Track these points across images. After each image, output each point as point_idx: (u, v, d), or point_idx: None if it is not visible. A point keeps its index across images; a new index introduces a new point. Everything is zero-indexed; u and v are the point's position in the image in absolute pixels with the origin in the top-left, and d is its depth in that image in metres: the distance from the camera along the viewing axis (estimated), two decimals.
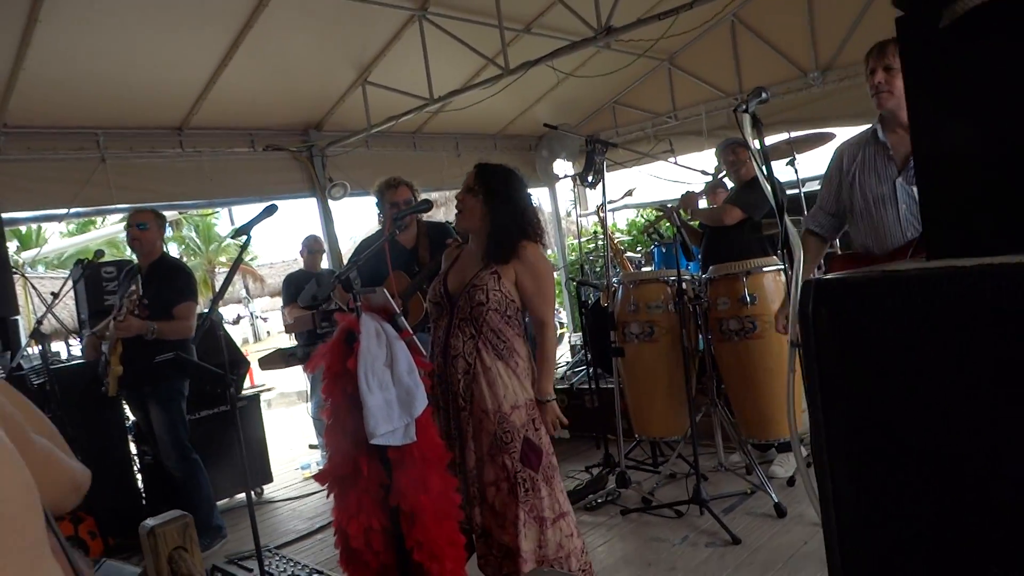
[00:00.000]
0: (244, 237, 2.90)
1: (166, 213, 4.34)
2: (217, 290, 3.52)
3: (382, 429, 1.98)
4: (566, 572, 2.21)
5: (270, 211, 3.00)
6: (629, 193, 5.33)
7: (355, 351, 2.03)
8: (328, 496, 2.23)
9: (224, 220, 21.34)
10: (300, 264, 5.76)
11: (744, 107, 1.91)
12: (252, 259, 22.63)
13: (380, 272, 3.24)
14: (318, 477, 2.24)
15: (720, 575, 2.83)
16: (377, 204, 3.69)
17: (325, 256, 6.03)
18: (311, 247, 5.61)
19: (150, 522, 1.66)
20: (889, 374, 0.93)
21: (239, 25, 4.53)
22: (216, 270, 21.10)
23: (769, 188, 1.80)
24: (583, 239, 6.31)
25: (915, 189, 2.29)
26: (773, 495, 3.33)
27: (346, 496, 2.13)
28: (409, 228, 3.56)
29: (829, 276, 1.01)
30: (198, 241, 21.41)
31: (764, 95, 2.03)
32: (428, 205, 2.67)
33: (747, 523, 3.26)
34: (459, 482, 2.32)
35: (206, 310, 3.95)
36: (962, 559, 0.91)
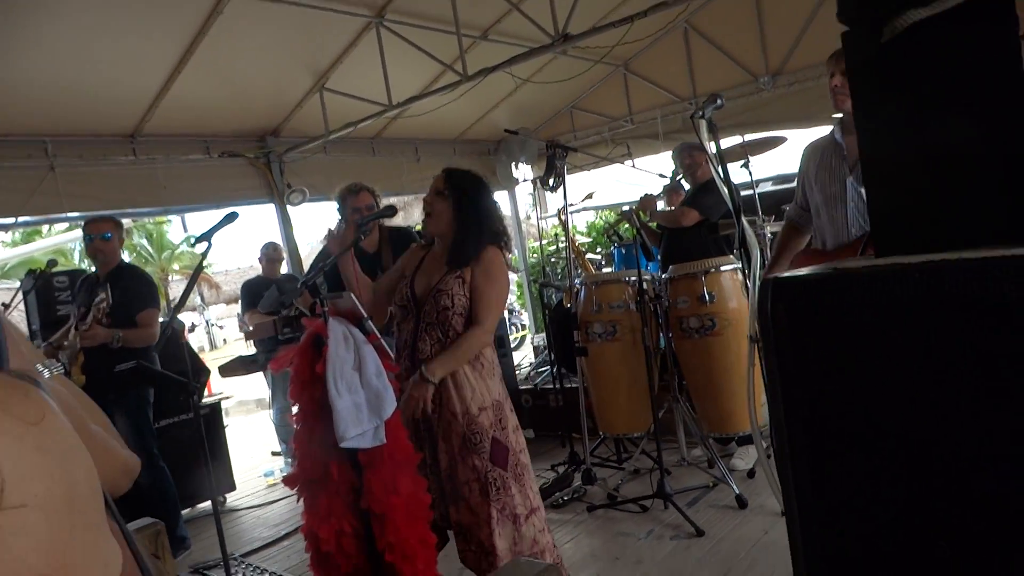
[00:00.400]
0: (204, 245, 2.87)
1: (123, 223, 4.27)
2: (176, 298, 3.47)
3: (352, 432, 2.00)
4: (543, 562, 2.25)
5: (231, 218, 2.98)
6: (589, 196, 5.41)
7: (323, 355, 2.04)
8: (297, 501, 2.23)
9: (176, 227, 20.94)
10: (256, 271, 5.69)
11: (701, 113, 1.98)
12: (207, 266, 22.20)
13: (339, 281, 3.24)
14: (287, 481, 2.24)
15: (685, 567, 2.91)
16: (339, 210, 3.68)
17: (284, 263, 5.97)
18: (269, 255, 5.56)
19: None
20: (843, 367, 1.00)
21: (194, 31, 4.47)
22: (170, 278, 20.65)
23: (726, 190, 1.87)
24: (544, 241, 6.37)
25: (863, 189, 2.40)
26: (734, 487, 3.42)
27: (316, 500, 2.13)
28: (372, 233, 3.57)
29: (786, 275, 1.07)
30: (150, 249, 20.92)
31: (719, 101, 2.10)
32: (392, 211, 2.69)
33: (710, 515, 3.34)
34: (433, 481, 2.34)
35: (163, 319, 3.90)
36: (919, 546, 0.98)
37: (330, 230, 2.67)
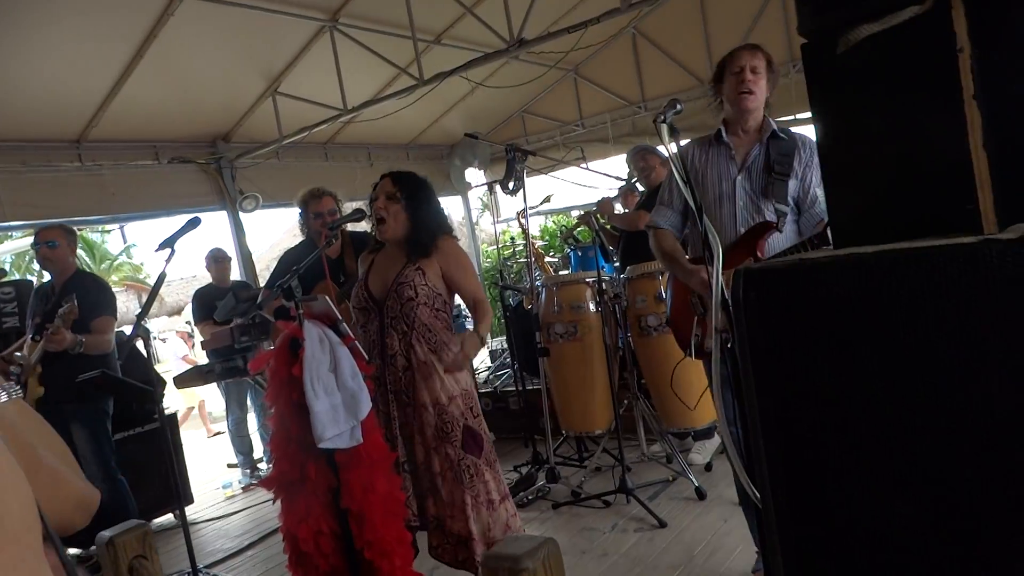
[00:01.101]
0: (167, 251, 2.85)
1: None
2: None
3: (330, 433, 2.03)
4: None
5: (193, 224, 2.95)
6: (547, 199, 5.51)
7: (300, 358, 2.06)
8: (273, 503, 2.24)
9: (115, 237, 20.27)
10: (203, 280, 5.53)
11: (662, 118, 2.08)
12: (147, 276, 21.57)
13: (307, 282, 3.24)
14: (264, 483, 2.25)
15: (650, 557, 3.00)
16: (300, 215, 3.68)
17: (235, 267, 5.88)
18: (217, 257, 5.36)
19: (107, 533, 1.66)
20: (811, 355, 1.09)
21: (143, 35, 4.41)
22: None
23: (688, 192, 1.97)
24: (500, 246, 6.44)
25: (748, 186, 2.47)
26: (693, 480, 3.55)
27: (294, 501, 2.15)
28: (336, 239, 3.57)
29: (756, 266, 1.15)
30: (86, 259, 20.20)
31: (679, 107, 2.19)
32: (361, 214, 2.72)
33: (671, 507, 3.45)
34: (408, 478, 2.39)
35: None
36: (895, 535, 1.07)
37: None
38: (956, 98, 1.01)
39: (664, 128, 2.07)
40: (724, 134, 2.52)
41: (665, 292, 3.71)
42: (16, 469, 0.56)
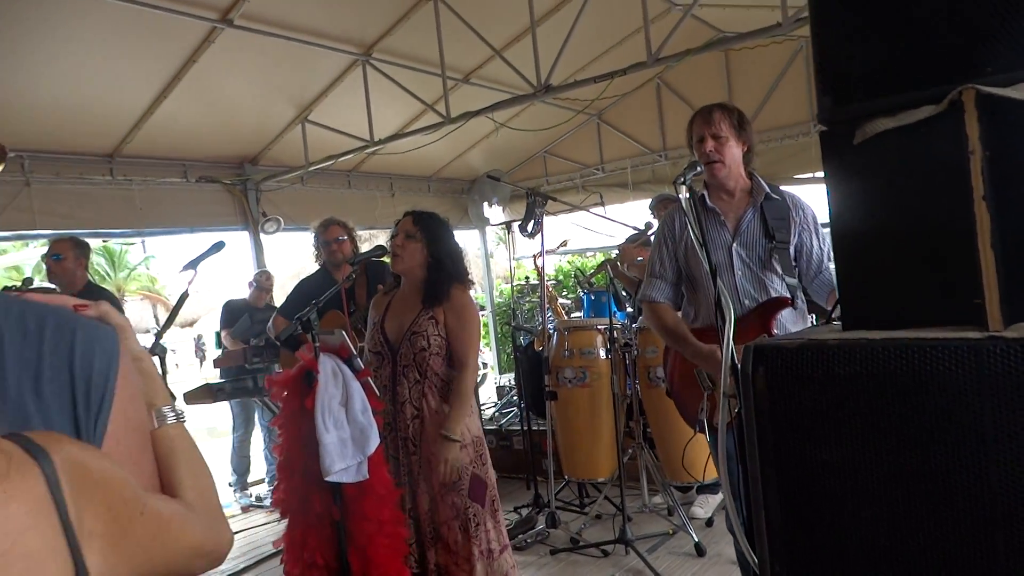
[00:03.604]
0: (192, 272, 2.91)
1: (90, 242, 4.24)
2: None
3: (337, 466, 2.06)
4: None
5: (217, 247, 3.03)
6: (564, 243, 5.57)
7: (313, 390, 2.10)
8: (279, 522, 2.26)
9: (136, 247, 20.54)
10: (233, 295, 5.60)
11: (682, 179, 2.12)
12: (163, 287, 21.81)
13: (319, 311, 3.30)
14: (275, 502, 2.27)
15: None
16: (314, 244, 3.78)
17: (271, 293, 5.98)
18: (261, 283, 5.48)
19: None
20: (815, 432, 1.12)
21: (184, 57, 4.54)
22: (125, 298, 20.19)
23: (704, 254, 2.01)
24: (514, 284, 6.50)
25: (745, 254, 2.36)
26: (694, 535, 3.53)
27: (293, 529, 2.17)
28: (344, 267, 3.64)
29: (766, 342, 1.19)
30: (106, 267, 20.48)
31: (699, 168, 2.25)
32: (382, 250, 2.78)
33: (670, 562, 3.43)
34: (412, 524, 2.40)
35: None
36: None
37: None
38: (966, 198, 1.05)
39: (683, 189, 2.11)
40: (708, 199, 2.41)
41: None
42: (35, 537, 0.51)
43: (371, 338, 2.61)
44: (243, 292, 5.57)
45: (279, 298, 6.67)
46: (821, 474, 1.13)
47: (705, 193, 2.44)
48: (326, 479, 2.06)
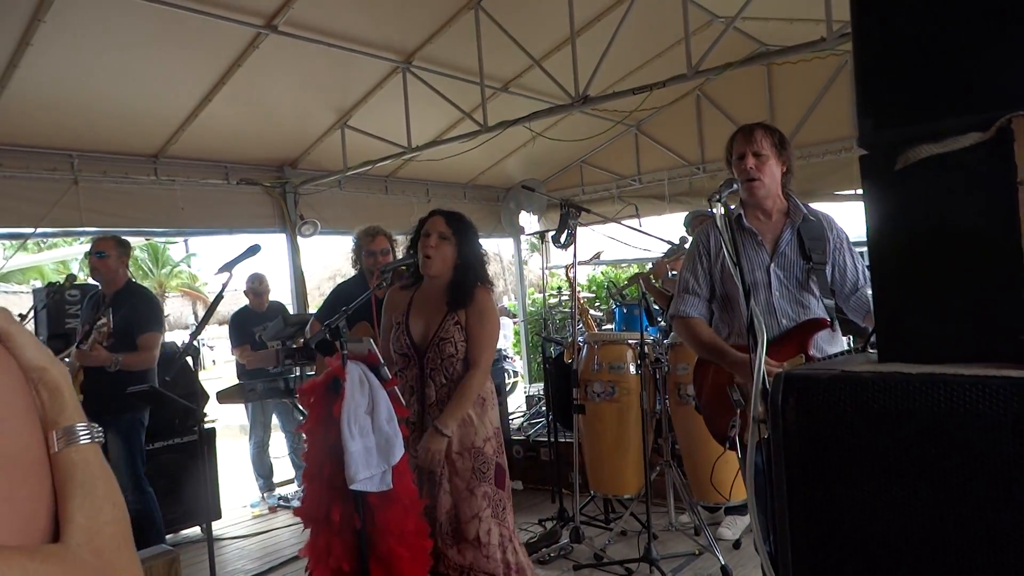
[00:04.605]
0: (226, 275, 2.95)
1: (132, 240, 4.34)
2: (170, 315, 3.54)
3: (362, 475, 2.06)
4: None
5: (253, 251, 3.06)
6: (597, 256, 5.53)
7: (341, 398, 2.11)
8: (303, 530, 2.27)
9: (179, 245, 21.01)
10: (247, 299, 5.64)
11: (718, 197, 2.09)
12: (203, 284, 22.25)
13: (351, 318, 3.31)
14: (297, 512, 2.29)
15: None
16: (353, 250, 3.78)
17: (288, 288, 6.05)
18: (255, 288, 5.47)
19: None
20: (844, 466, 1.08)
21: (229, 62, 4.63)
22: (167, 294, 20.65)
23: (738, 274, 1.97)
24: (546, 293, 6.48)
25: (783, 274, 2.34)
26: (720, 557, 3.46)
27: (317, 536, 2.18)
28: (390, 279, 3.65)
29: (797, 371, 1.16)
30: (149, 263, 20.97)
31: (735, 186, 2.21)
32: (412, 260, 2.78)
33: None
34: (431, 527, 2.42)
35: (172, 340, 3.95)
36: None
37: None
38: (1013, 229, 1.01)
39: (718, 207, 2.08)
40: (744, 218, 2.40)
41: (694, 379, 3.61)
42: None
43: (396, 339, 2.59)
44: (256, 300, 5.55)
45: (314, 301, 6.77)
46: (850, 511, 1.09)
47: (741, 212, 2.42)
48: (350, 487, 2.06)
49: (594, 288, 8.83)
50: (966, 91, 1.09)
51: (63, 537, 0.63)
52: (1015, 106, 1.01)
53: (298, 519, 2.32)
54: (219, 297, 3.04)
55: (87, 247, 4.55)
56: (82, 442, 0.68)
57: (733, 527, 3.91)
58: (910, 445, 1.02)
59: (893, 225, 1.15)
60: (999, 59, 1.06)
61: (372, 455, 2.09)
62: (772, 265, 2.37)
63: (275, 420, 5.45)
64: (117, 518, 0.68)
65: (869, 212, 1.18)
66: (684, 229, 4.70)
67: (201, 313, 21.47)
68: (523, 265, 9.13)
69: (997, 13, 1.06)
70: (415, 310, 2.61)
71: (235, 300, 6.06)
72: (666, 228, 7.38)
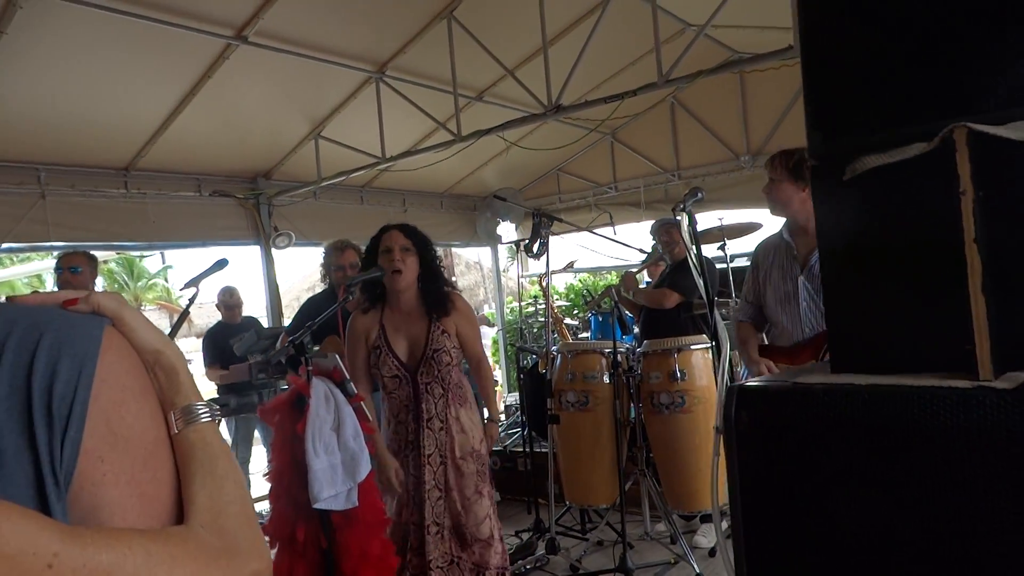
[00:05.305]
0: (192, 290, 2.92)
1: (102, 254, 4.28)
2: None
3: (325, 493, 2.03)
4: None
5: (220, 265, 3.04)
6: (571, 265, 5.53)
7: (305, 415, 2.08)
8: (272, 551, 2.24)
9: (155, 257, 20.77)
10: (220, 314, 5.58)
11: (682, 206, 2.10)
12: (179, 297, 21.99)
13: (320, 333, 3.28)
14: (264, 529, 2.24)
15: None
16: (323, 264, 3.75)
17: (263, 301, 5.98)
18: (227, 301, 5.43)
19: None
20: (797, 478, 1.08)
21: (199, 73, 4.58)
22: (143, 307, 20.37)
23: (701, 283, 1.98)
24: (523, 302, 6.46)
25: (811, 287, 2.52)
26: (695, 565, 3.45)
27: (280, 558, 2.14)
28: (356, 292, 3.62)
29: (751, 383, 1.15)
30: (124, 276, 20.70)
31: (699, 195, 2.23)
32: (380, 272, 2.75)
33: None
34: (445, 537, 2.47)
35: None
36: None
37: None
38: (957, 239, 1.01)
39: (684, 217, 2.08)
40: (787, 233, 2.61)
41: (679, 371, 3.69)
42: None
43: (384, 364, 2.56)
44: (228, 313, 5.50)
45: (291, 313, 6.69)
46: (804, 523, 1.09)
47: (785, 227, 2.65)
48: (314, 506, 2.03)
49: (572, 296, 8.84)
50: (910, 102, 1.09)
51: (187, 518, 0.63)
52: (957, 116, 1.02)
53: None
54: (185, 312, 3.01)
55: (35, 265, 4.47)
56: (203, 420, 0.69)
57: (709, 535, 3.90)
58: (859, 457, 1.02)
59: (842, 235, 1.15)
60: (941, 70, 1.07)
61: (337, 472, 2.06)
62: (801, 277, 2.53)
63: (257, 435, 5.39)
64: (240, 497, 0.68)
65: (820, 222, 1.18)
66: (652, 237, 4.70)
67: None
68: (502, 274, 9.12)
69: (938, 26, 1.07)
70: (391, 330, 2.59)
71: (215, 314, 5.99)
72: (643, 236, 7.40)
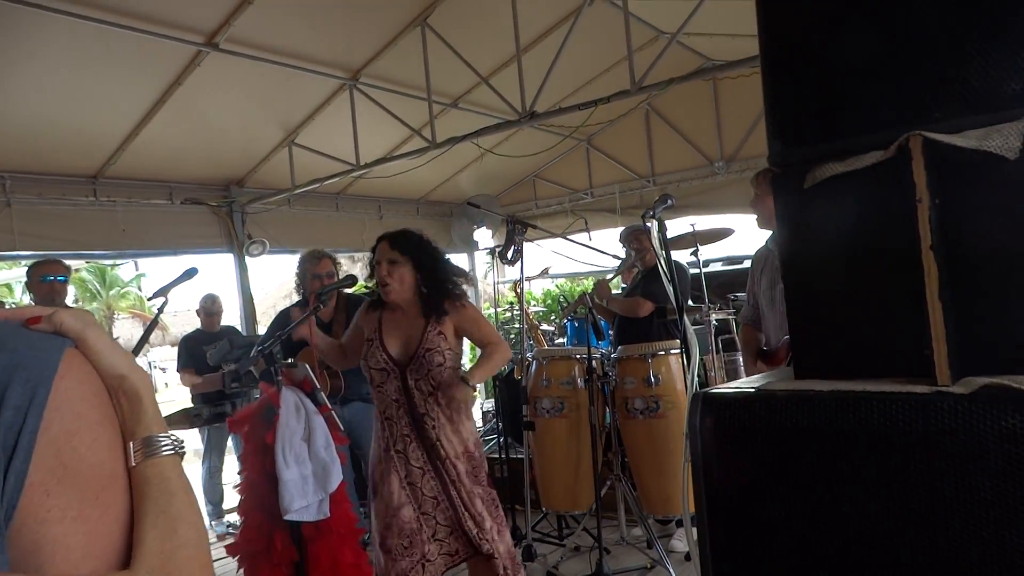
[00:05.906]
0: (161, 300, 2.88)
1: (72, 263, 4.22)
2: (119, 338, 3.44)
3: (296, 504, 2.01)
4: None
5: (190, 274, 3.00)
6: (545, 271, 5.54)
7: (274, 425, 2.05)
8: (237, 571, 2.20)
9: (128, 265, 20.47)
10: (199, 320, 5.53)
11: (652, 212, 2.11)
12: (151, 307, 21.70)
13: (294, 345, 3.24)
14: (230, 549, 2.21)
15: None
16: (297, 273, 3.71)
17: (236, 309, 5.92)
18: (208, 308, 5.39)
19: None
20: (759, 482, 1.08)
21: (169, 80, 4.53)
22: (116, 315, 20.07)
23: (671, 290, 1.99)
24: (499, 308, 6.46)
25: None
26: (671, 570, 3.46)
27: (256, 572, 2.11)
28: (329, 301, 3.58)
29: (715, 390, 1.16)
30: (96, 285, 20.36)
31: (669, 201, 2.24)
32: (352, 280, 2.74)
33: None
34: (462, 533, 2.47)
35: None
36: None
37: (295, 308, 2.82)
38: (914, 246, 1.03)
39: (654, 224, 2.09)
40: (771, 243, 2.73)
41: (654, 376, 3.73)
42: None
43: (372, 356, 2.53)
44: (207, 320, 5.45)
45: (267, 321, 6.63)
46: (769, 528, 1.09)
47: (771, 237, 2.78)
48: (285, 517, 2.00)
49: (549, 301, 8.86)
50: (869, 111, 1.11)
51: (133, 561, 0.59)
52: (914, 125, 1.03)
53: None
54: (153, 323, 2.97)
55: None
56: (163, 453, 0.64)
57: (684, 539, 3.91)
58: (821, 462, 1.03)
59: (803, 242, 1.17)
60: (899, 80, 1.08)
61: (308, 483, 2.04)
62: (780, 285, 2.61)
63: (230, 444, 5.32)
64: (194, 539, 0.63)
65: (781, 229, 1.19)
66: (622, 244, 4.71)
67: (153, 335, 20.94)
68: (481, 281, 9.12)
69: (895, 37, 1.08)
70: (389, 327, 2.57)
71: (190, 322, 5.92)
72: (618, 241, 7.44)
